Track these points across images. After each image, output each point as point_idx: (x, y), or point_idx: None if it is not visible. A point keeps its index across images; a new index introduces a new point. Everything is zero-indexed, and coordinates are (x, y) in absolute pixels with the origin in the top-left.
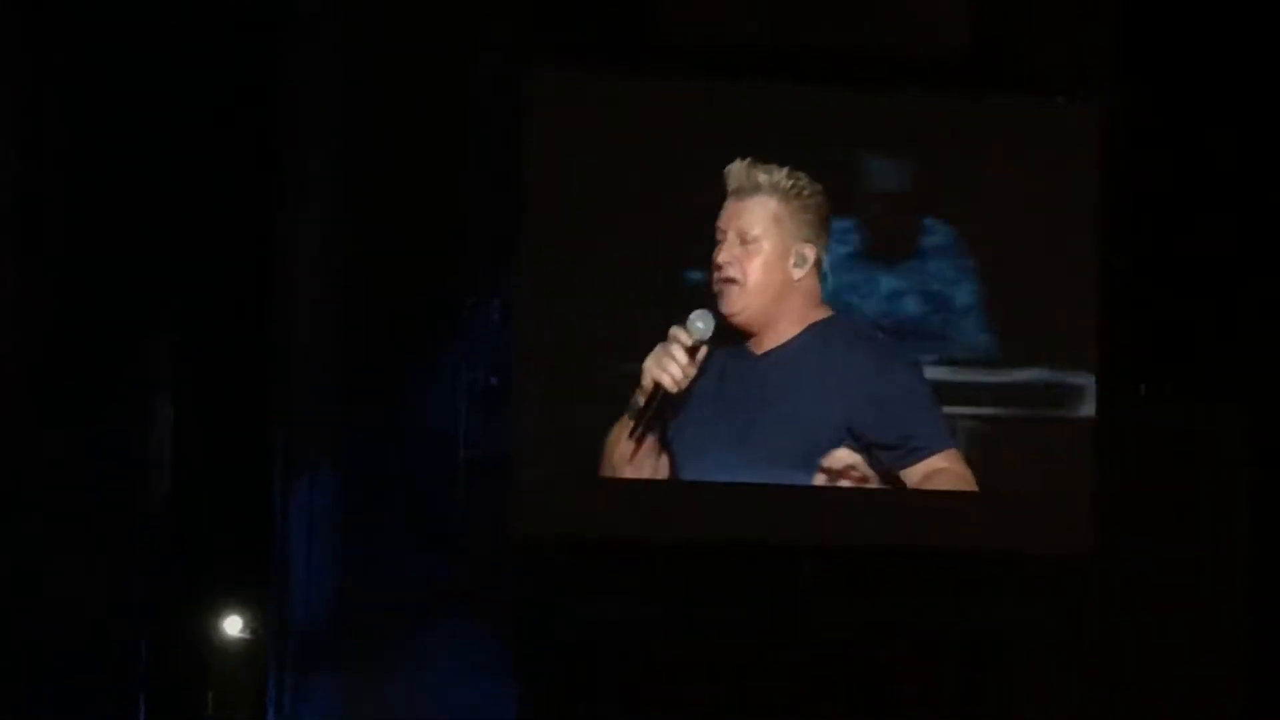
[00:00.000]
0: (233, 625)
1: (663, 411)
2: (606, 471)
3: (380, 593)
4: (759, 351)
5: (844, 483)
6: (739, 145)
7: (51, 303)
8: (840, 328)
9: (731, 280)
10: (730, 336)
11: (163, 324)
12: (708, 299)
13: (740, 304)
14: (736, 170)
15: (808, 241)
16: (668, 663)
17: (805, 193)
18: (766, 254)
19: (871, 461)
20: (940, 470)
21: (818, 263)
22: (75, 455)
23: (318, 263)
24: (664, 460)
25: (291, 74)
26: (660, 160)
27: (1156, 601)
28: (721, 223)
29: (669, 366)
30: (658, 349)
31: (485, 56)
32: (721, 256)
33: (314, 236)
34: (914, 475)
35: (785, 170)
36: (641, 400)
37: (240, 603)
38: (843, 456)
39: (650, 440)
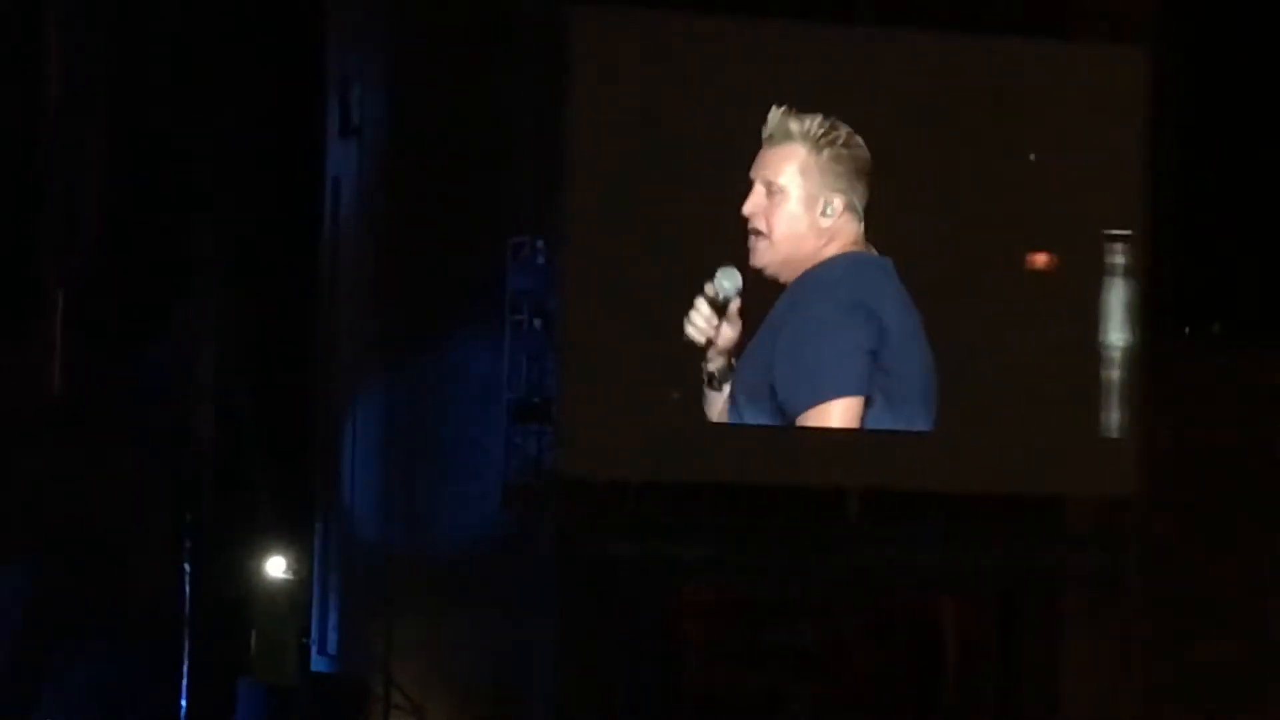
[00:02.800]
0: (276, 566)
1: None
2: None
3: (423, 534)
4: (786, 279)
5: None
6: (782, 86)
7: (100, 247)
8: (871, 261)
9: (758, 233)
10: (765, 287)
11: (210, 266)
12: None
13: (767, 258)
14: (771, 117)
15: (838, 191)
16: (708, 603)
17: (839, 141)
18: (792, 204)
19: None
20: None
21: (850, 209)
22: (121, 397)
23: (364, 205)
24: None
25: (341, 16)
26: (704, 103)
27: (1201, 545)
28: (752, 171)
29: (695, 321)
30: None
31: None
32: (747, 207)
33: (360, 179)
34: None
35: (819, 118)
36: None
37: (284, 544)
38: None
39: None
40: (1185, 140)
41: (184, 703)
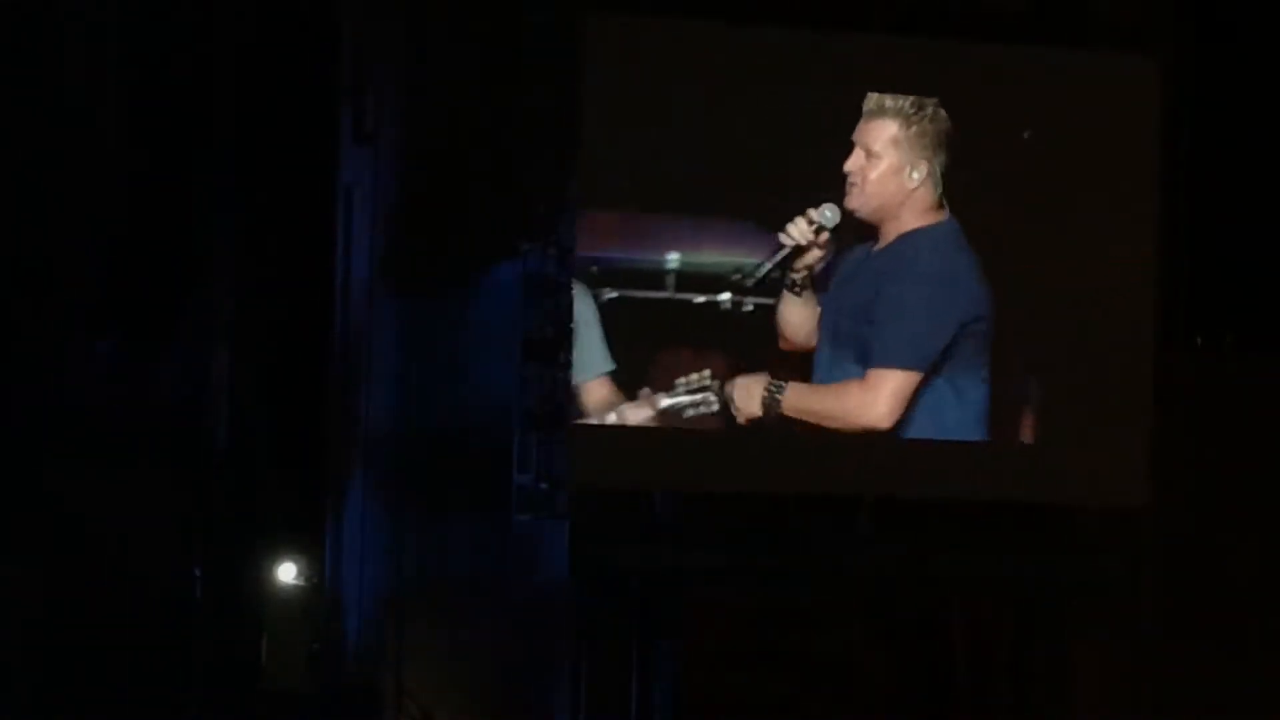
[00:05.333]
0: (287, 573)
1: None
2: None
3: (436, 541)
4: (877, 247)
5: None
6: (794, 88)
7: (113, 251)
8: (946, 231)
9: (854, 184)
10: (856, 230)
11: (222, 270)
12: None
13: (859, 202)
14: (872, 97)
15: (923, 159)
16: (722, 610)
17: (927, 116)
18: (884, 168)
19: None
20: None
21: (931, 174)
22: (132, 402)
23: (377, 213)
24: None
25: (354, 23)
26: (719, 113)
27: (1215, 556)
28: (855, 135)
29: (792, 231)
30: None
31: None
32: (848, 165)
33: (373, 187)
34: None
35: (910, 99)
36: (768, 265)
37: (296, 550)
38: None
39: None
40: (1197, 150)
41: (194, 708)
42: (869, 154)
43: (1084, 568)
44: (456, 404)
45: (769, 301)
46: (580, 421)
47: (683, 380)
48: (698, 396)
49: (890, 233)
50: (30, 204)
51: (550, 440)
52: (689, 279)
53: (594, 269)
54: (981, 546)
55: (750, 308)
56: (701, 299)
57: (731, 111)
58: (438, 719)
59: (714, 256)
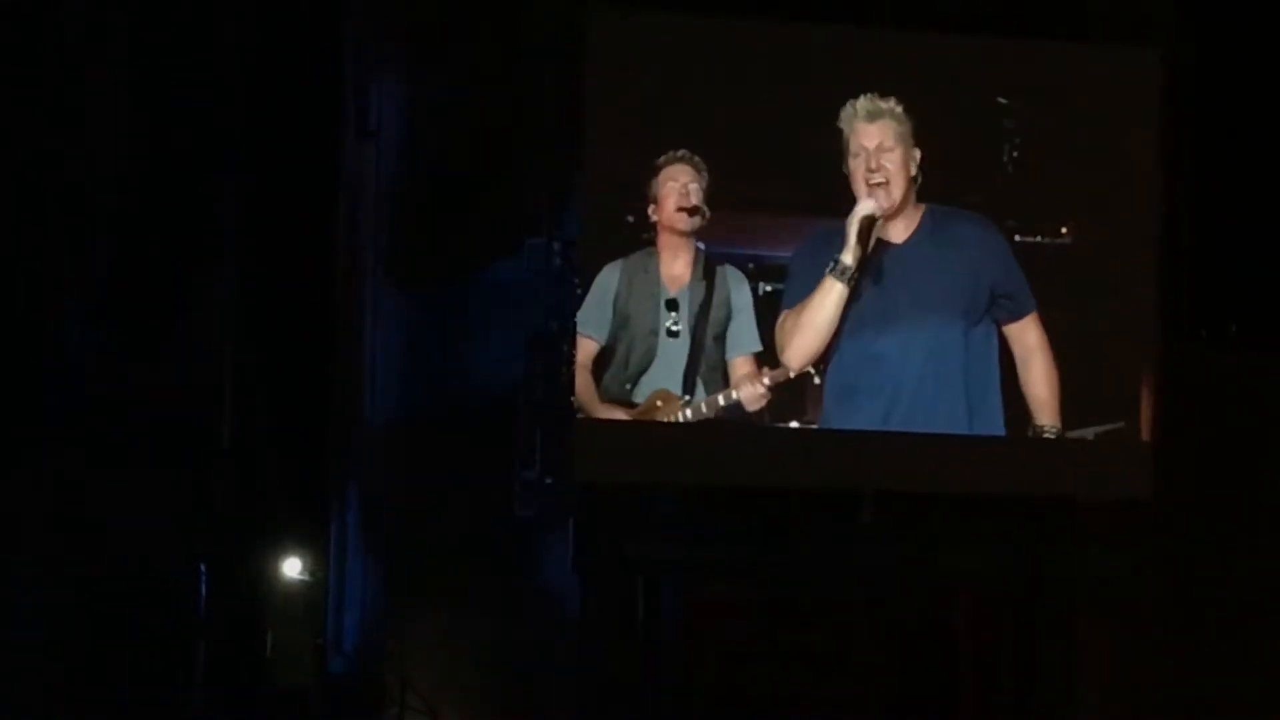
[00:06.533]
0: (291, 568)
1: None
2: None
3: (440, 535)
4: (899, 241)
5: None
6: (799, 89)
7: (115, 246)
8: (944, 212)
9: (881, 184)
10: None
11: (225, 266)
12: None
13: (889, 201)
14: (863, 102)
15: (916, 151)
16: (725, 604)
17: (910, 113)
18: (899, 160)
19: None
20: (1034, 327)
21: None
22: (136, 399)
23: (380, 208)
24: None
25: (357, 20)
26: (722, 109)
27: (1217, 546)
28: (865, 140)
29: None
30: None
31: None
32: (871, 164)
33: (376, 182)
34: (1018, 329)
35: (894, 99)
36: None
37: (300, 544)
38: None
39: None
40: (1201, 142)
41: (200, 704)
42: (887, 151)
43: (1088, 561)
44: (460, 399)
45: None
46: (583, 416)
47: None
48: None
49: (901, 228)
50: (33, 201)
51: (554, 435)
52: None
53: (751, 265)
54: (984, 540)
55: None
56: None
57: (732, 105)
58: (442, 713)
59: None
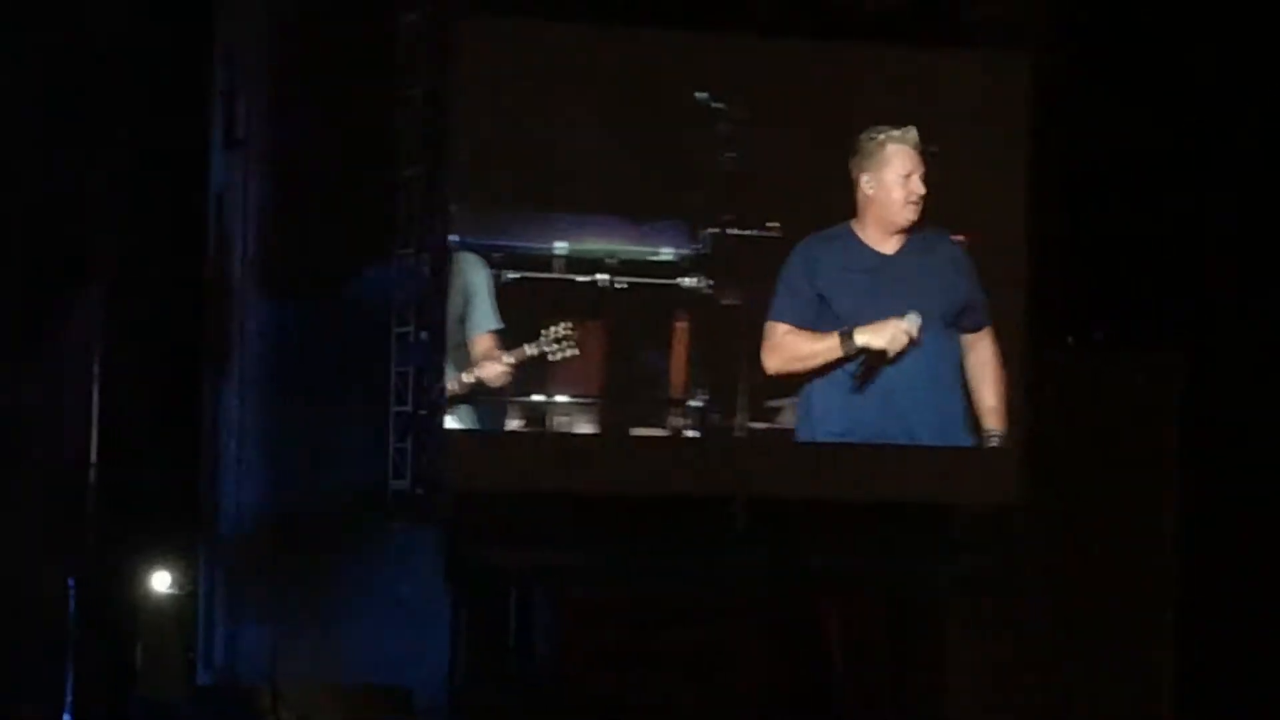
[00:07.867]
0: (162, 581)
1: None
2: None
3: (311, 546)
4: (890, 252)
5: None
6: (678, 97)
7: None
8: (922, 231)
9: (917, 200)
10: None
11: (94, 274)
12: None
13: (919, 216)
14: (881, 129)
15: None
16: (596, 610)
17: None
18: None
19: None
20: (990, 339)
21: None
22: (4, 413)
23: (248, 218)
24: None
25: (223, 30)
26: (592, 116)
27: (1087, 552)
28: (900, 168)
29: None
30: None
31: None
32: (912, 184)
33: (244, 192)
34: (976, 340)
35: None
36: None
37: (169, 558)
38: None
39: None
40: (1067, 146)
41: (71, 716)
42: (910, 173)
43: (958, 564)
44: (330, 409)
45: (643, 281)
46: (453, 428)
47: (545, 331)
48: (558, 345)
49: (894, 242)
50: None
51: (424, 446)
52: (575, 263)
53: (495, 254)
54: (857, 545)
55: (624, 286)
56: (584, 279)
57: (595, 110)
58: None
59: (595, 244)
